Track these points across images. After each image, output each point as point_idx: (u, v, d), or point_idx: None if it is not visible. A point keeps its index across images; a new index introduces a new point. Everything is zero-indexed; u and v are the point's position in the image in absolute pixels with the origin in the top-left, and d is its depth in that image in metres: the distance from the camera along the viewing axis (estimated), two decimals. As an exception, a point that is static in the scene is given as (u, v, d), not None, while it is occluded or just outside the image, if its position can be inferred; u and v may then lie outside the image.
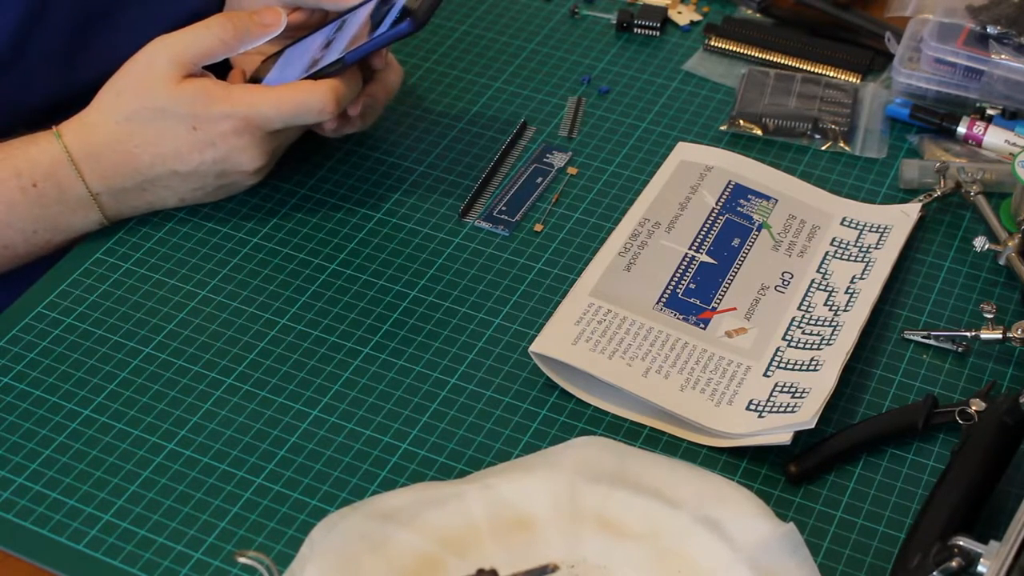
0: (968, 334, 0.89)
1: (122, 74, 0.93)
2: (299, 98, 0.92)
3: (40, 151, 0.92)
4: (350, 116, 0.97)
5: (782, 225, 0.98)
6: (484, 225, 0.99)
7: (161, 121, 0.92)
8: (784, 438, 0.81)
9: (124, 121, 0.92)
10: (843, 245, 0.96)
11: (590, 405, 0.86)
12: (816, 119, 1.07)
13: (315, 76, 0.94)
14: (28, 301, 0.92)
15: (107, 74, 0.96)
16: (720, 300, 0.92)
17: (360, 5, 0.99)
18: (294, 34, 1.02)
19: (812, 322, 0.90)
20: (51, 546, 0.78)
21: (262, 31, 0.95)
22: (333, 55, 0.94)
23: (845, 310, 0.91)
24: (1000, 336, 0.89)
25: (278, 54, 1.02)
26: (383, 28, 0.92)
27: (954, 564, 0.71)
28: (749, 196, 0.99)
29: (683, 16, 1.19)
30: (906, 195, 1.02)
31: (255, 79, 1.00)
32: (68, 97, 1.00)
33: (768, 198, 0.99)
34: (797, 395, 0.85)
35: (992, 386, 0.87)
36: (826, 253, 0.96)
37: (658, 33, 1.17)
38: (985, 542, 0.72)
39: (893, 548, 0.78)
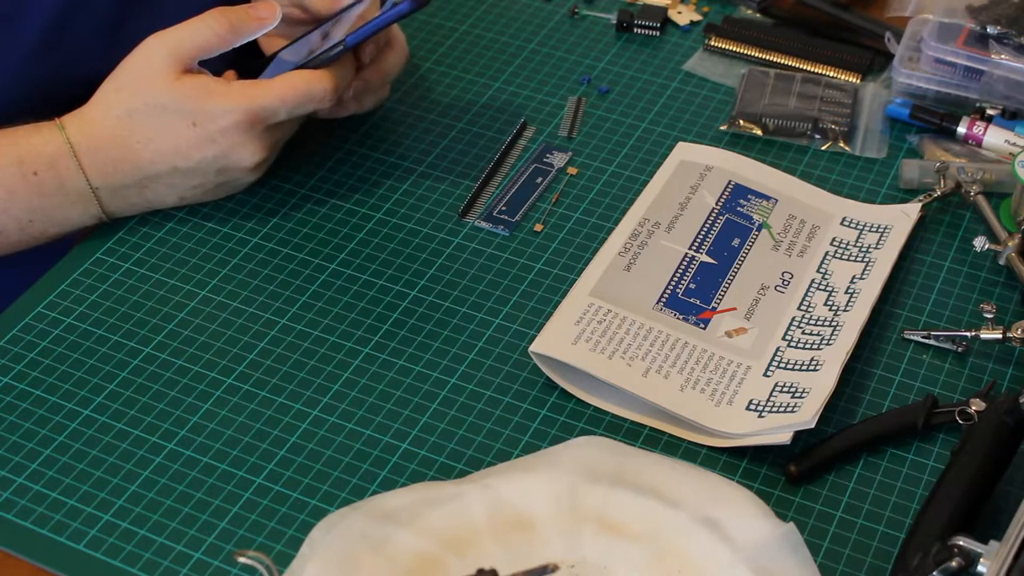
0: (968, 334, 0.89)
1: (121, 70, 0.94)
2: (298, 87, 0.92)
3: (43, 141, 0.92)
4: (343, 99, 0.97)
5: (782, 225, 0.98)
6: (484, 225, 0.99)
7: (161, 117, 0.92)
8: (784, 438, 0.81)
9: (125, 117, 0.92)
10: (843, 245, 0.96)
11: (590, 405, 0.86)
12: (816, 119, 1.07)
13: (314, 60, 0.94)
14: (28, 301, 0.92)
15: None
16: (720, 300, 0.92)
17: (353, 5, 0.99)
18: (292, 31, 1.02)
19: (812, 322, 0.90)
20: (51, 546, 0.78)
21: (257, 24, 0.95)
22: (333, 41, 0.94)
23: (845, 310, 0.91)
24: (1000, 336, 0.89)
25: (272, 56, 1.02)
26: (383, 9, 0.92)
27: (954, 564, 0.71)
28: (749, 196, 0.99)
29: (683, 16, 1.19)
30: (906, 195, 1.02)
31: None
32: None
33: (768, 198, 0.99)
34: (797, 395, 0.85)
35: (992, 386, 0.87)
36: (826, 253, 0.96)
37: (658, 33, 1.17)
38: (985, 542, 0.72)
39: (893, 548, 0.78)
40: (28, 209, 0.93)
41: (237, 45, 0.95)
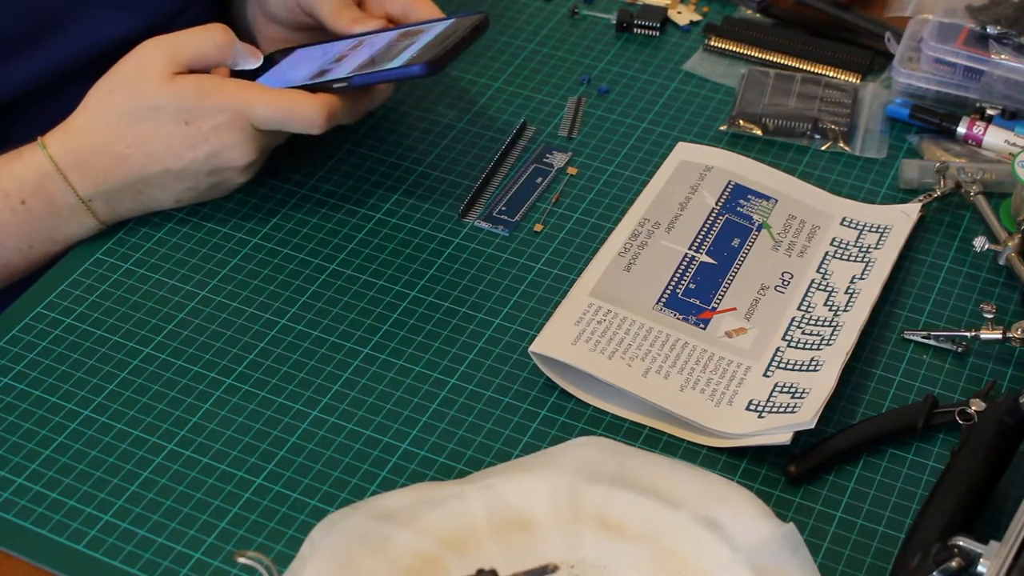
0: (968, 334, 0.89)
1: (114, 73, 0.93)
2: (293, 106, 0.92)
3: (25, 166, 0.92)
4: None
5: (782, 225, 0.98)
6: (484, 225, 0.99)
7: (153, 119, 0.92)
8: (784, 438, 0.81)
9: (115, 122, 0.92)
10: (843, 245, 0.96)
11: (590, 405, 0.86)
12: (816, 119, 1.07)
13: (318, 85, 0.93)
14: (28, 301, 0.92)
15: (63, 68, 0.97)
16: (720, 300, 0.92)
17: (379, 32, 0.98)
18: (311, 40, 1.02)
19: (812, 322, 0.90)
20: (51, 546, 0.78)
21: (253, 59, 0.96)
22: (342, 72, 0.94)
23: (845, 310, 0.91)
24: (1000, 336, 0.89)
25: (289, 50, 1.01)
26: (397, 62, 0.92)
27: (954, 564, 0.71)
28: (749, 196, 0.99)
29: (683, 16, 1.19)
30: (906, 195, 1.02)
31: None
32: (24, 93, 1.00)
33: (768, 198, 0.99)
34: (797, 395, 0.85)
35: (992, 386, 0.87)
36: (826, 253, 0.96)
37: (658, 33, 1.17)
38: (985, 542, 0.72)
39: (893, 548, 0.78)
40: (25, 237, 0.93)
41: (230, 65, 0.95)
